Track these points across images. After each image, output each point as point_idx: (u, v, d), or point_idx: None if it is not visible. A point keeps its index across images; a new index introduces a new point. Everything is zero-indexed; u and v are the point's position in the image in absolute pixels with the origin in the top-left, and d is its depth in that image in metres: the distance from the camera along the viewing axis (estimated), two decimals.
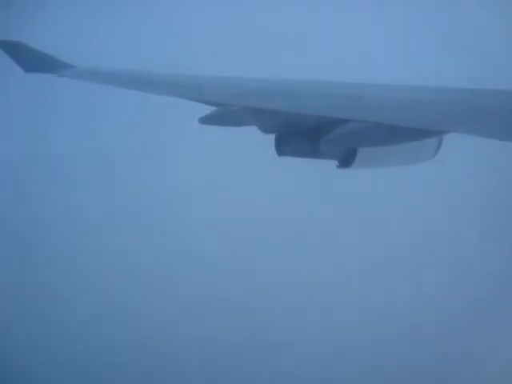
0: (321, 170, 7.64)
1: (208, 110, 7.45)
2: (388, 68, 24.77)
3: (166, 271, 24.84)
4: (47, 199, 27.63)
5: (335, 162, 7.15)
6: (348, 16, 29.79)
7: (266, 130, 7.42)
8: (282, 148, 7.31)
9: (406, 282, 23.92)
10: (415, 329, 21.99)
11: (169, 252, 25.44)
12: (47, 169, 28.46)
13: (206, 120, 7.28)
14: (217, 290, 23.65)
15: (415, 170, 7.90)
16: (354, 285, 23.98)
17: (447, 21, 28.48)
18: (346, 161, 7.00)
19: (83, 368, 21.29)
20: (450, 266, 24.02)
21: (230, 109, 7.37)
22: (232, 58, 26.86)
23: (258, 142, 7.71)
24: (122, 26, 29.51)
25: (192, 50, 28.03)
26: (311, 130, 7.06)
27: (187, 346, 21.79)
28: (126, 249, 25.78)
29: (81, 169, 29.01)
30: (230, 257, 25.00)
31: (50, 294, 23.61)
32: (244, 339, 22.02)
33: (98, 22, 29.25)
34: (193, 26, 30.74)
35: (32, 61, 9.58)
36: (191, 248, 25.54)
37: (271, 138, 7.37)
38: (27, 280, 24.10)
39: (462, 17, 27.68)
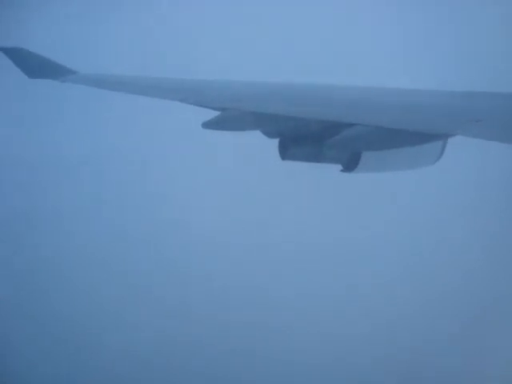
0: (324, 174, 7.62)
1: (212, 114, 7.45)
2: (391, 72, 24.78)
3: (166, 273, 24.87)
4: (48, 203, 27.69)
5: (339, 166, 7.13)
6: (351, 20, 29.81)
7: (269, 135, 7.41)
8: (286, 152, 7.30)
9: (410, 284, 23.89)
10: (417, 331, 21.97)
11: (170, 254, 25.48)
12: (49, 173, 28.49)
13: (209, 125, 7.27)
14: (217, 291, 23.66)
15: (419, 174, 7.88)
16: (358, 288, 23.97)
17: (450, 24, 28.48)
18: (350, 165, 6.96)
19: (81, 369, 21.34)
20: (454, 269, 23.98)
21: (233, 113, 7.37)
22: (235, 62, 26.89)
23: (261, 147, 7.71)
24: (125, 31, 29.56)
25: (195, 55, 28.07)
26: (315, 134, 7.04)
27: (187, 347, 21.86)
28: (126, 249, 25.81)
29: (83, 173, 29.05)
30: (232, 260, 25.01)
31: (45, 293, 23.67)
32: (244, 341, 22.04)
33: (101, 28, 29.30)
34: (196, 31, 30.77)
35: (35, 67, 9.62)
36: (193, 250, 25.57)
37: (275, 142, 7.36)
38: (23, 279, 24.14)
39: (463, 19, 27.70)
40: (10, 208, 26.71)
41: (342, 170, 7.10)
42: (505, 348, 20.73)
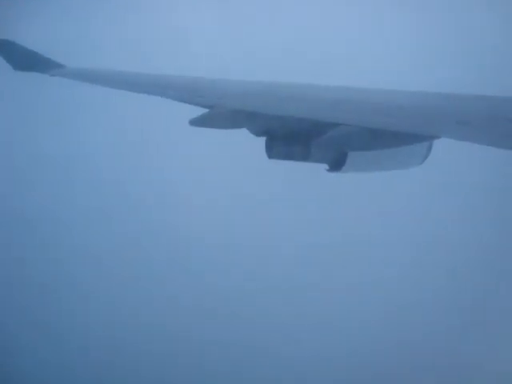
0: (311, 174, 7.66)
1: (199, 111, 7.44)
2: (379, 72, 24.86)
3: (161, 272, 24.83)
4: (39, 198, 27.52)
5: (325, 166, 7.16)
6: (341, 20, 29.85)
7: (256, 133, 7.42)
8: (273, 151, 7.29)
9: (397, 283, 24.00)
10: (412, 331, 22.06)
11: (163, 253, 25.43)
12: (37, 168, 28.33)
13: (196, 122, 7.26)
14: (209, 292, 23.65)
15: (405, 175, 7.94)
16: (346, 287, 24.03)
17: (440, 26, 28.63)
18: (337, 164, 7.02)
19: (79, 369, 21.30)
20: (440, 269, 24.12)
21: (220, 111, 7.36)
22: (224, 60, 26.86)
23: (248, 145, 7.71)
24: (114, 26, 29.41)
25: (184, 52, 28.01)
26: (302, 134, 7.06)
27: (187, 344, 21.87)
28: (120, 248, 25.74)
29: (70, 169, 28.91)
30: (222, 257, 25.02)
31: (39, 293, 23.55)
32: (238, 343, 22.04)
33: (89, 21, 29.16)
34: (185, 27, 30.69)
35: (22, 60, 9.53)
36: (184, 248, 25.53)
37: (262, 140, 7.37)
38: (16, 280, 24.01)
39: (454, 22, 27.84)
40: None
41: (328, 170, 7.15)
42: (504, 348, 20.88)
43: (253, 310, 23.13)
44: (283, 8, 30.68)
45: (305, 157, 7.17)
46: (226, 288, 23.91)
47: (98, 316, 23.09)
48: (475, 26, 26.68)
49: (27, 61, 9.53)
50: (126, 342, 22.26)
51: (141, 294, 24.01)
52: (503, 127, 5.80)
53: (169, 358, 21.83)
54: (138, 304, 23.57)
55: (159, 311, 23.16)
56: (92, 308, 23.33)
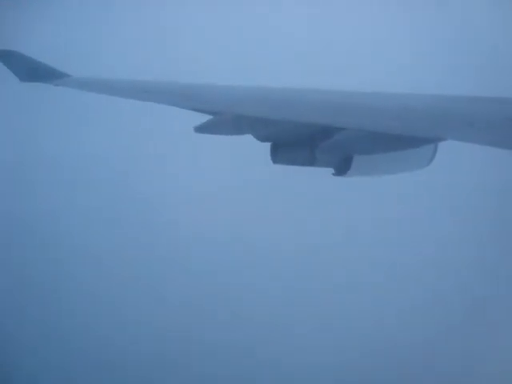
0: (316, 178, 7.67)
1: (204, 118, 7.45)
2: (383, 76, 24.82)
3: (162, 272, 24.87)
4: (40, 200, 27.54)
5: (331, 170, 7.18)
6: (342, 25, 29.80)
7: (261, 139, 7.43)
8: (278, 156, 7.31)
9: (400, 287, 23.99)
10: (412, 332, 22.08)
11: (165, 254, 25.45)
12: (41, 177, 28.32)
13: (201, 129, 7.27)
14: (210, 292, 23.68)
15: (411, 178, 7.97)
16: (350, 291, 24.05)
17: (441, 28, 28.61)
18: (342, 168, 7.01)
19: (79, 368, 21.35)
20: (445, 272, 24.12)
21: (225, 117, 7.37)
22: (227, 66, 26.87)
23: (253, 151, 7.72)
24: (117, 35, 29.36)
25: (188, 59, 27.96)
26: (307, 138, 7.08)
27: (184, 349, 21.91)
28: (120, 249, 25.76)
29: (75, 177, 28.86)
30: (226, 263, 25.05)
31: (39, 293, 23.61)
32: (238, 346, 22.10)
33: (94, 31, 29.10)
34: (189, 35, 30.65)
35: (27, 70, 9.52)
36: (187, 250, 25.55)
37: (267, 146, 7.38)
38: (16, 280, 24.05)
39: (455, 23, 27.83)
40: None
41: (333, 174, 7.16)
42: (504, 348, 20.94)
43: (253, 310, 23.17)
44: (287, 11, 30.62)
45: (310, 161, 7.18)
46: (227, 288, 23.95)
47: (99, 316, 23.12)
48: (475, 26, 26.68)
49: (31, 71, 9.51)
50: (126, 342, 22.30)
51: (141, 295, 24.04)
52: (507, 128, 5.86)
53: (169, 358, 21.87)
54: (138, 304, 23.60)
55: (160, 311, 23.19)
56: (92, 308, 23.36)
